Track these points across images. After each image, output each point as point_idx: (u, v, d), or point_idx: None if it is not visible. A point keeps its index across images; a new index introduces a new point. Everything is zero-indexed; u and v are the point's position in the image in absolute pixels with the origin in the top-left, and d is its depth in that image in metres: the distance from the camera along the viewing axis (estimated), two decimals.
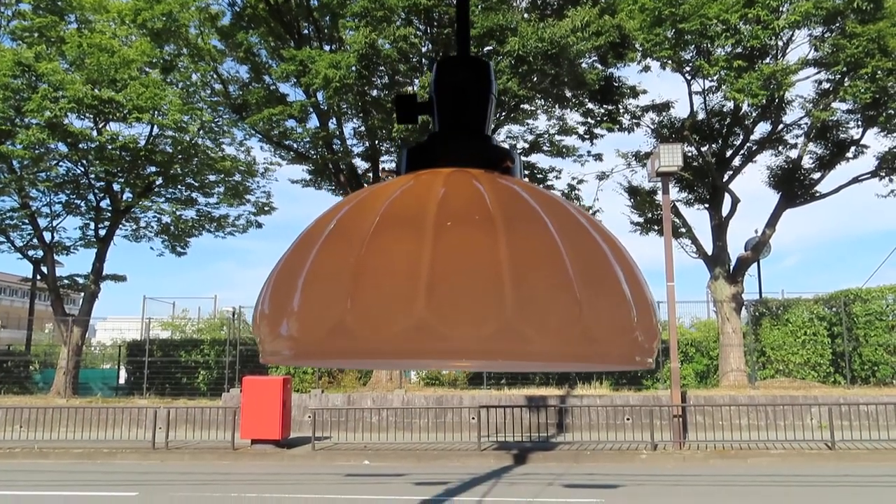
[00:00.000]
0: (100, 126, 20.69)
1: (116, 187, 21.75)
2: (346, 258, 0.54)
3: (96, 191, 21.91)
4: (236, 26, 19.56)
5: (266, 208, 24.17)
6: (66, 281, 22.86)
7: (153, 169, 21.62)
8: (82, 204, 22.40)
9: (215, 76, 20.63)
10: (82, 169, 21.31)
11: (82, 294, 22.59)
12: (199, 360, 22.51)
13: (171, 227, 23.38)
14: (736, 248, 21.20)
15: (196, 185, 22.68)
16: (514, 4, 18.25)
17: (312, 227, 0.62)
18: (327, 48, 19.08)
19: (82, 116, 20.00)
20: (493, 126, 0.73)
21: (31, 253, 22.59)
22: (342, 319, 0.52)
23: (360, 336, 0.52)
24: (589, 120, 20.69)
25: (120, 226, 22.49)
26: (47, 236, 22.04)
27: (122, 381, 24.54)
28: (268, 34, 19.81)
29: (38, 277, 23.22)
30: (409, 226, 0.56)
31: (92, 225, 22.37)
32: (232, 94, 20.82)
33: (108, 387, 24.31)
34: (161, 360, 22.51)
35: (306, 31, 19.66)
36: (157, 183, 22.05)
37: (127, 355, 23.75)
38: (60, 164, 21.20)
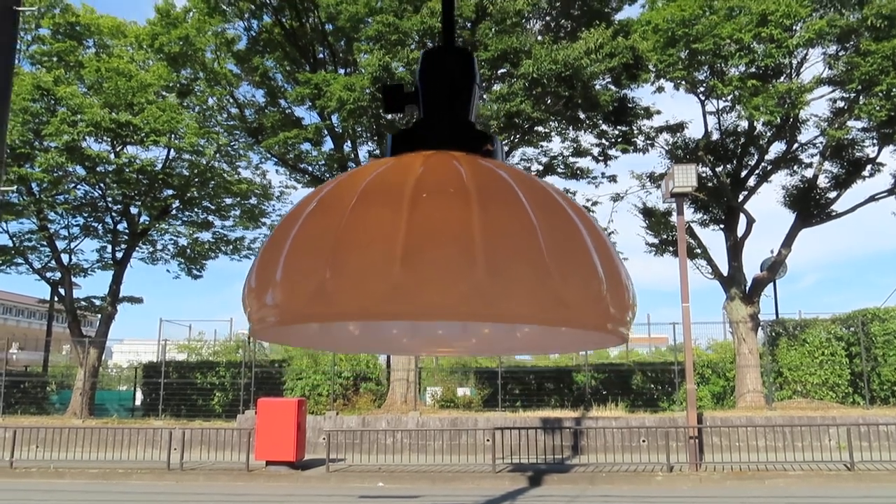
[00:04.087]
0: (117, 149, 21.01)
1: (133, 210, 22.01)
2: (327, 230, 0.56)
3: (113, 214, 22.18)
4: (252, 51, 19.85)
5: None
6: (83, 303, 23.07)
7: (170, 192, 21.87)
8: (99, 227, 22.68)
9: (231, 100, 20.91)
10: (100, 192, 21.60)
11: (99, 316, 22.77)
12: (214, 382, 22.55)
13: (188, 250, 23.58)
14: (752, 268, 21.05)
15: (212, 207, 22.91)
16: (528, 27, 18.39)
17: (296, 207, 0.63)
18: (342, 72, 19.30)
19: (100, 140, 20.32)
20: (475, 114, 0.74)
21: (48, 275, 22.86)
22: (322, 285, 0.53)
23: (339, 300, 0.54)
24: (603, 141, 20.71)
25: (136, 248, 22.71)
26: (65, 258, 22.30)
27: (138, 402, 24.63)
28: (283, 58, 20.07)
29: (56, 299, 23.46)
30: (387, 198, 0.58)
31: (109, 247, 22.62)
32: (248, 117, 21.07)
33: (124, 408, 24.40)
34: (177, 382, 22.58)
35: (321, 56, 19.91)
36: (174, 206, 22.29)
37: (143, 377, 23.85)
38: (78, 187, 21.52)
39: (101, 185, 21.10)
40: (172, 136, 20.02)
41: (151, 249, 23.73)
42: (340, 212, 0.56)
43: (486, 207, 0.55)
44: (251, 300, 0.60)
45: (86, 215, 22.40)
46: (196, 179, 21.64)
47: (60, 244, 22.37)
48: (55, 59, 20.37)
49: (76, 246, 23.02)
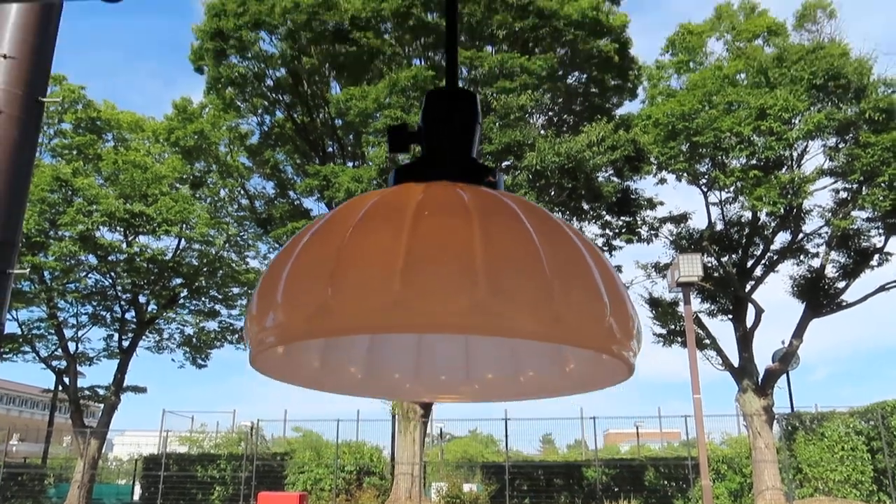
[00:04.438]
0: (129, 238, 21.33)
1: (142, 299, 22.10)
2: (328, 251, 0.55)
3: (122, 302, 22.26)
4: (264, 144, 20.46)
5: None
6: (87, 392, 22.82)
7: (179, 281, 22.03)
8: (108, 315, 22.72)
9: (242, 191, 21.38)
10: (110, 280, 21.77)
11: (102, 405, 22.45)
12: (214, 475, 21.92)
13: (194, 339, 23.49)
14: (763, 359, 20.70)
15: (219, 297, 22.99)
16: (531, 122, 18.96)
17: (297, 235, 0.63)
18: (350, 164, 19.80)
19: (113, 229, 20.67)
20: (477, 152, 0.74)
21: (54, 363, 22.72)
22: (324, 301, 0.52)
23: (341, 314, 0.53)
24: (607, 232, 20.89)
25: (143, 337, 22.66)
26: (72, 346, 22.22)
27: (136, 496, 23.87)
28: (294, 151, 20.66)
29: (60, 388, 23.21)
30: (388, 218, 0.57)
31: (116, 336, 22.57)
32: (258, 208, 21.47)
33: (121, 503, 23.62)
34: (177, 475, 21.96)
35: (330, 149, 20.49)
36: (182, 294, 22.39)
37: (143, 470, 23.23)
38: (89, 275, 21.70)
39: (112, 273, 21.30)
40: (184, 226, 20.37)
41: (158, 338, 23.66)
42: (341, 234, 0.55)
43: (488, 226, 0.54)
44: (251, 326, 0.58)
45: (95, 304, 22.49)
46: (205, 269, 21.83)
47: (68, 332, 22.35)
48: (75, 151, 21.03)
49: (83, 334, 22.99)
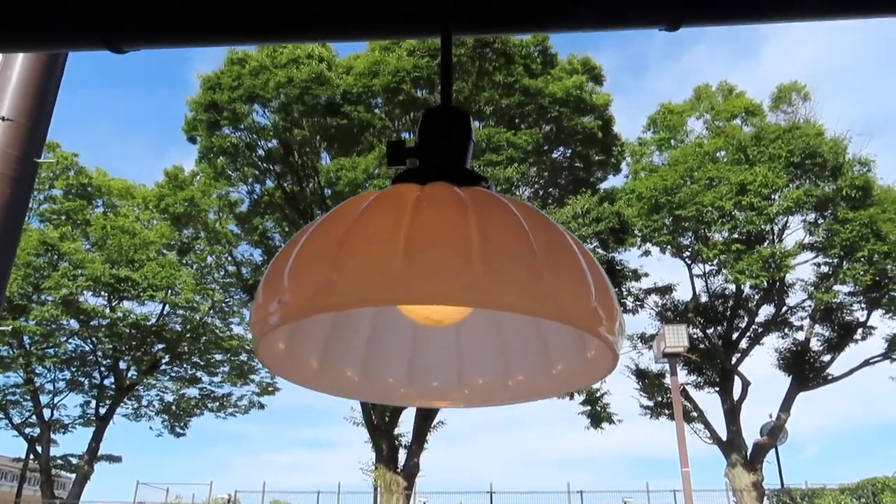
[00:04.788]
0: (113, 304, 21.12)
1: (122, 365, 21.71)
2: (333, 236, 0.59)
3: (102, 368, 21.85)
4: (253, 212, 20.60)
5: (270, 389, 23.88)
6: (59, 461, 22.07)
7: (161, 346, 21.71)
8: (86, 381, 22.24)
9: (230, 258, 21.36)
10: (91, 346, 21.42)
11: (74, 476, 21.69)
12: None
13: (173, 406, 22.97)
14: (751, 433, 20.51)
15: (201, 363, 22.63)
16: (518, 194, 19.29)
17: (303, 228, 0.67)
18: None
19: (97, 294, 20.49)
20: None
21: (27, 431, 22.05)
22: (329, 278, 0.56)
23: (344, 291, 0.57)
24: None
25: (121, 404, 22.13)
26: (46, 413, 21.62)
27: None
28: (282, 220, 20.79)
29: (32, 457, 22.44)
30: (390, 208, 0.62)
31: (93, 403, 22.03)
32: (244, 275, 21.42)
33: None
34: None
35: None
36: (164, 360, 22.03)
37: None
38: (70, 340, 21.36)
39: (94, 338, 20.98)
40: (169, 291, 20.24)
41: (136, 405, 23.12)
42: (345, 224, 0.60)
43: (482, 216, 0.59)
44: (257, 313, 0.62)
45: (74, 369, 22.05)
46: (188, 334, 21.58)
47: (44, 399, 21.80)
48: (63, 217, 21.06)
49: (60, 401, 22.42)
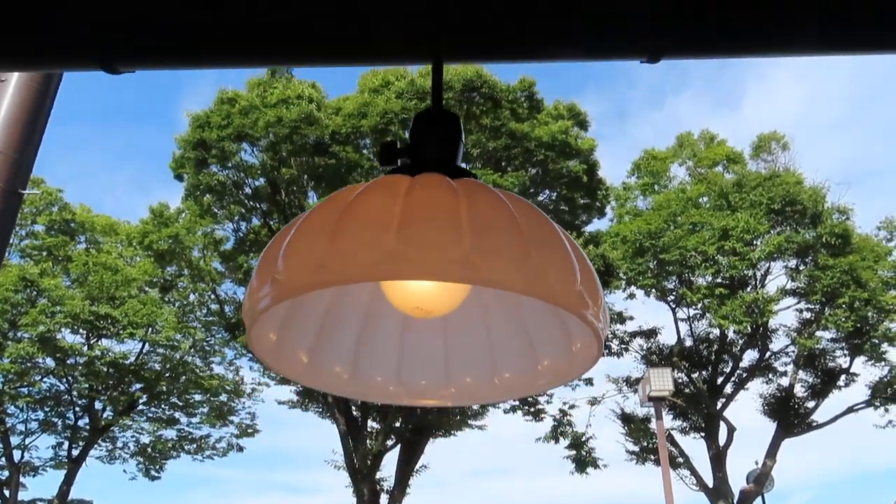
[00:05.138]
0: (92, 341, 20.77)
1: (98, 405, 21.23)
2: (328, 219, 0.60)
3: (77, 408, 21.36)
4: (238, 250, 20.51)
5: (249, 430, 23.43)
6: None
7: (139, 386, 21.31)
8: (59, 422, 21.71)
9: (213, 296, 21.18)
10: (66, 385, 20.98)
11: None
12: None
13: (149, 448, 22.44)
14: (738, 479, 20.32)
15: (180, 404, 22.21)
16: None
17: (299, 215, 0.67)
18: None
19: (76, 331, 20.16)
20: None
21: None
22: (323, 257, 0.56)
23: (339, 268, 0.58)
24: None
25: (95, 446, 21.58)
26: (17, 455, 21.02)
27: None
28: None
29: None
30: (384, 193, 0.63)
31: (66, 444, 21.47)
32: (227, 313, 21.21)
33: None
34: None
35: None
36: (141, 400, 21.59)
37: None
38: (45, 379, 20.91)
39: (69, 377, 20.57)
40: (150, 329, 19.97)
41: (111, 447, 22.55)
42: (339, 208, 0.60)
43: (472, 200, 0.61)
44: (250, 297, 0.62)
45: (48, 409, 21.53)
46: (167, 374, 21.23)
47: (14, 440, 21.23)
48: (45, 253, 20.85)
49: (31, 442, 21.83)
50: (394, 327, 0.80)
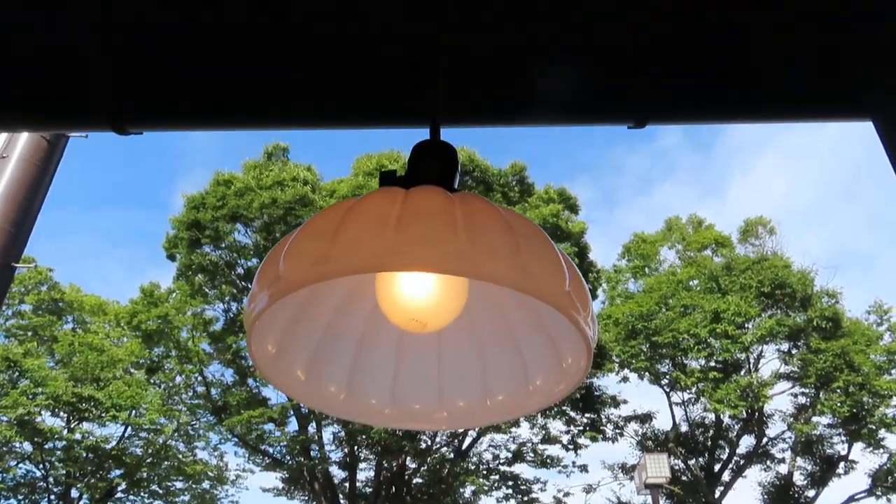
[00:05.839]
0: (72, 424, 20.21)
1: (75, 492, 20.43)
2: (329, 223, 0.63)
3: (52, 496, 20.53)
4: (228, 331, 20.32)
5: None
6: None
7: (119, 472, 20.58)
8: None
9: (200, 378, 20.81)
10: (43, 471, 20.24)
11: None
12: None
13: None
14: None
15: (160, 492, 21.42)
16: None
17: (295, 228, 0.69)
18: None
19: (56, 414, 19.64)
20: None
21: None
22: (324, 252, 0.57)
23: (340, 259, 0.60)
24: (572, 429, 20.53)
25: None
26: None
27: None
28: None
29: None
30: (384, 198, 0.65)
31: None
32: (214, 396, 20.79)
33: None
34: None
35: None
36: (120, 488, 20.81)
37: None
38: (20, 464, 20.20)
39: (47, 462, 19.87)
40: (133, 412, 19.50)
41: None
42: (339, 213, 0.63)
43: (466, 205, 0.64)
44: (249, 302, 0.63)
45: (21, 497, 20.69)
46: (149, 459, 20.56)
47: None
48: (30, 332, 20.59)
49: None
50: (390, 348, 0.80)
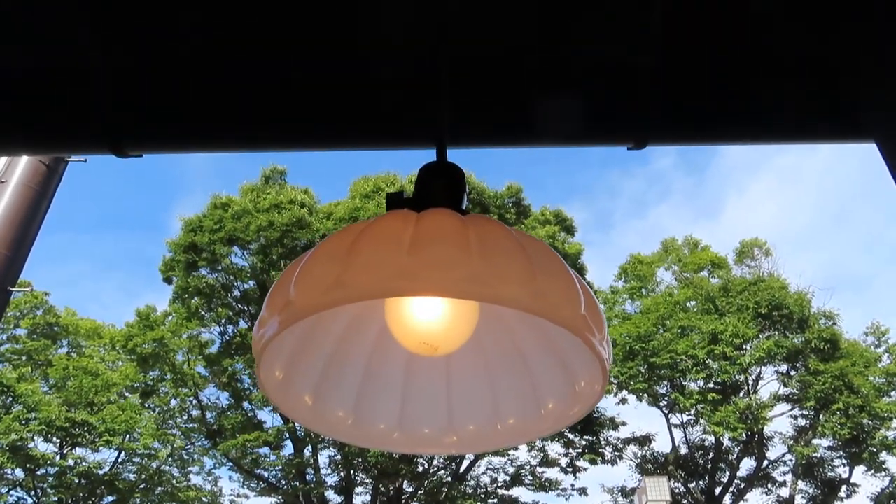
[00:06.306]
0: (65, 450, 19.97)
1: None
2: (341, 246, 0.61)
3: None
4: (224, 353, 20.19)
5: None
6: None
7: (111, 499, 20.31)
8: None
9: (195, 402, 20.63)
10: (35, 498, 19.96)
11: None
12: None
13: None
14: None
15: None
16: None
17: (305, 253, 0.68)
18: None
19: (49, 439, 19.42)
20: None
21: None
22: (338, 276, 0.56)
23: (354, 284, 0.59)
24: (570, 451, 20.36)
25: None
26: None
27: None
28: (253, 361, 20.35)
29: None
30: (396, 217, 0.64)
31: None
32: (208, 419, 20.60)
33: None
34: None
35: None
36: None
37: None
38: (12, 491, 19.92)
39: (38, 489, 19.61)
40: (127, 437, 19.29)
41: None
42: (351, 236, 0.62)
43: (479, 228, 0.63)
44: (258, 329, 0.62)
45: None
46: (142, 485, 20.31)
47: None
48: (24, 357, 20.43)
49: None
50: (398, 372, 0.79)
